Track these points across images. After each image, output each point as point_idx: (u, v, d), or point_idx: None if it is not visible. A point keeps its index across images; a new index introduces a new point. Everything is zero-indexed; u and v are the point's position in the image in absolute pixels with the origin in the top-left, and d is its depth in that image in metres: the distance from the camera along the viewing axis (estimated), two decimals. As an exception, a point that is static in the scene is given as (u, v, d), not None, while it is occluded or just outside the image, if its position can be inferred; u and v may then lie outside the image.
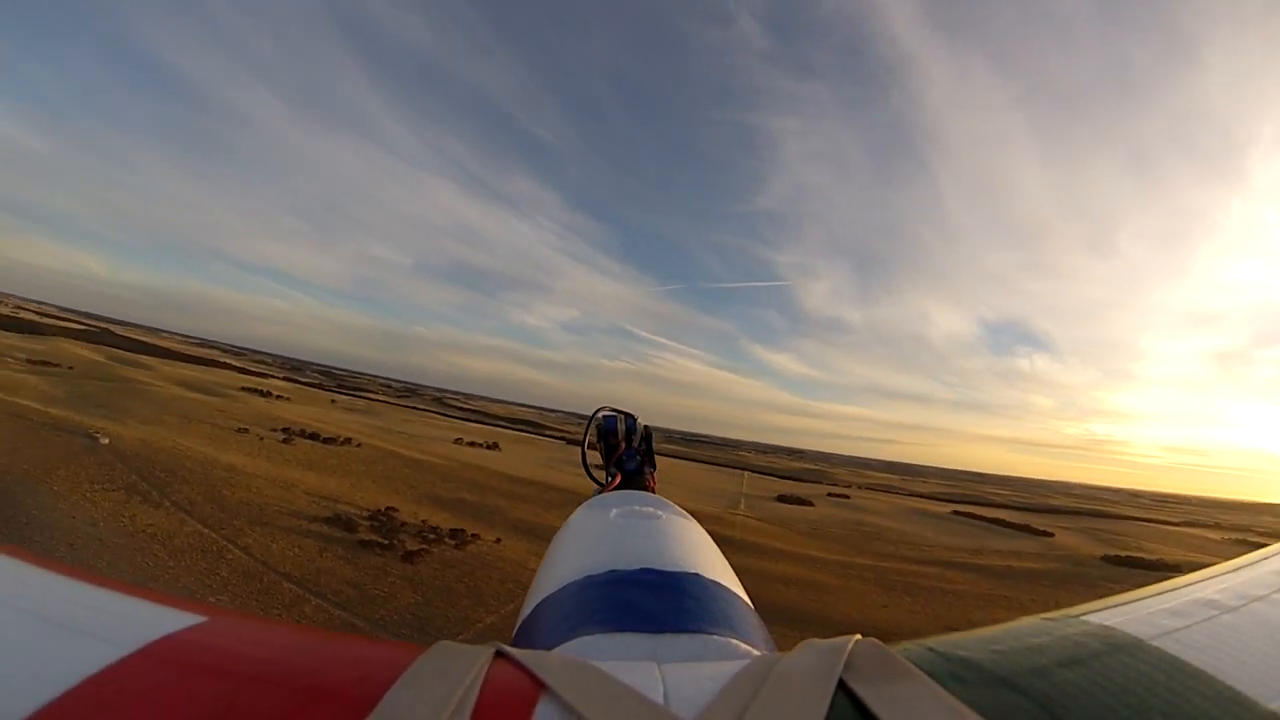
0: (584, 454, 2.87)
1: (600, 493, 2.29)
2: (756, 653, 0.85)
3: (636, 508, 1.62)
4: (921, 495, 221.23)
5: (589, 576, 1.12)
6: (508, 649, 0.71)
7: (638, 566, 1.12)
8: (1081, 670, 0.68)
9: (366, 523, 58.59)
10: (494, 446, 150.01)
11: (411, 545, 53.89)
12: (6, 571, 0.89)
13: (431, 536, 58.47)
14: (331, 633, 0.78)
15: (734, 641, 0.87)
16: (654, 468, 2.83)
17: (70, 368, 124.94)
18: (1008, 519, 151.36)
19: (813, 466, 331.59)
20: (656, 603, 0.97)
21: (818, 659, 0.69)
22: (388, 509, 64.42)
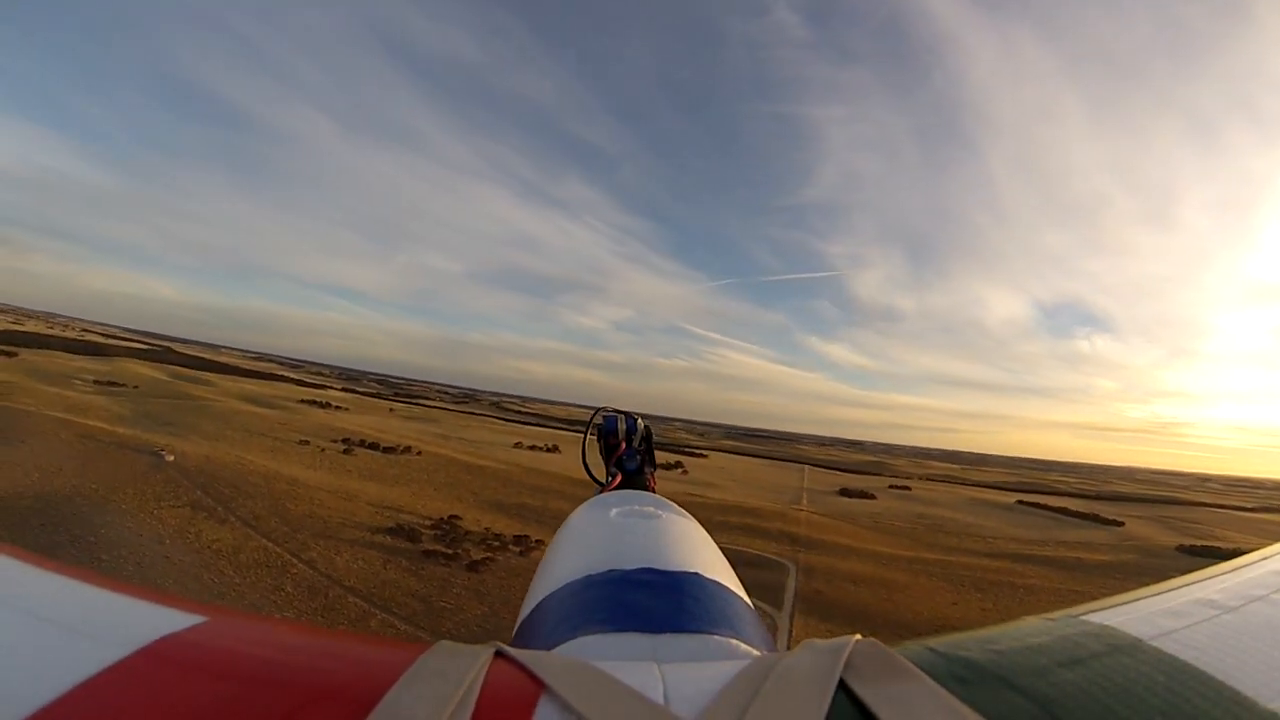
0: (584, 454, 2.88)
1: (600, 492, 2.29)
2: (756, 653, 0.86)
3: (636, 507, 1.62)
4: (984, 485, 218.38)
5: (589, 576, 1.12)
6: (508, 649, 0.70)
7: (638, 566, 1.12)
8: (1081, 670, 0.68)
9: (430, 532, 58.01)
10: (554, 449, 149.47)
11: (476, 554, 53.29)
12: (6, 571, 0.89)
13: (495, 544, 57.94)
14: (331, 632, 0.79)
15: (734, 641, 0.87)
16: (654, 467, 2.82)
17: (135, 386, 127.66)
18: (1074, 508, 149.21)
19: (873, 459, 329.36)
20: (656, 603, 0.98)
21: (818, 659, 0.69)
22: (450, 517, 63.96)
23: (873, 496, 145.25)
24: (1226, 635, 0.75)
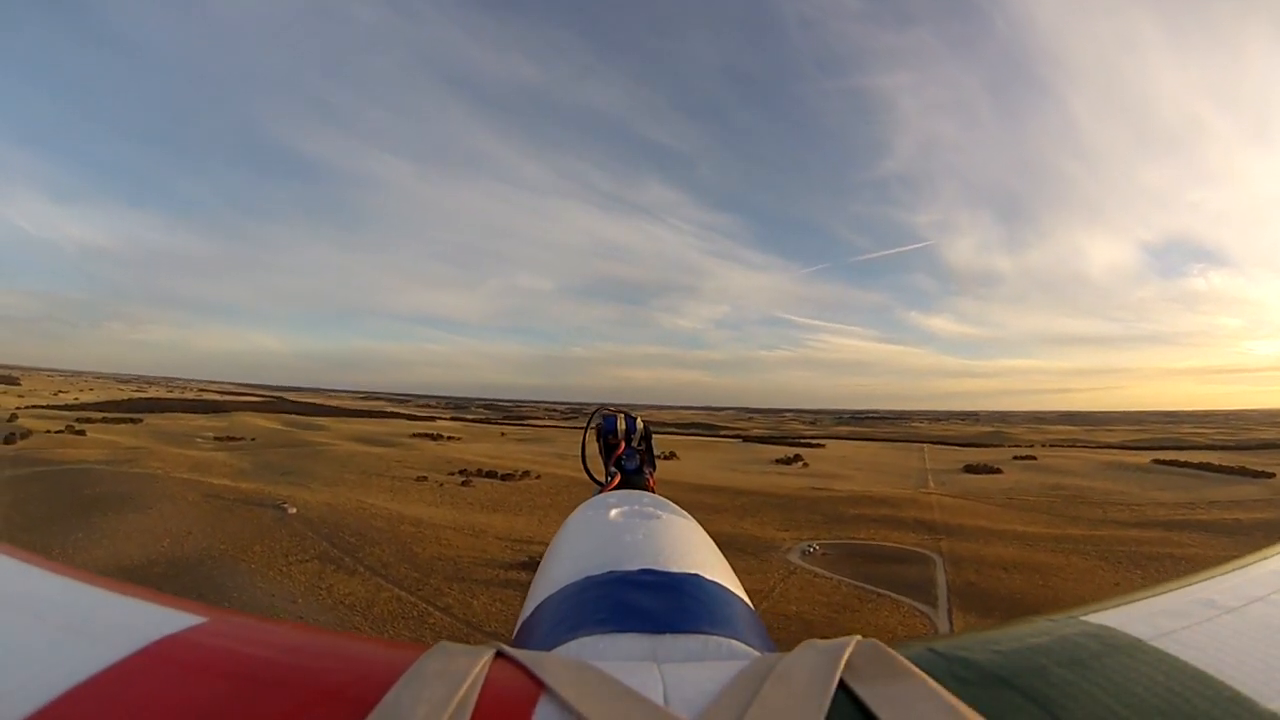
0: (584, 454, 2.88)
1: (599, 492, 2.29)
2: (756, 653, 0.86)
3: (636, 508, 1.63)
4: (1113, 446, 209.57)
5: (589, 577, 1.13)
6: (508, 649, 0.72)
7: (637, 567, 1.13)
8: (1081, 670, 0.69)
9: (563, 562, 54.51)
10: (671, 456, 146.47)
11: (615, 582, 50.10)
12: (6, 571, 0.90)
13: (632, 568, 54.52)
14: (331, 632, 0.80)
15: (734, 642, 0.88)
16: (654, 468, 2.84)
17: (253, 439, 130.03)
18: (1216, 462, 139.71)
19: (990, 429, 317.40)
20: (656, 603, 0.98)
21: (818, 659, 0.70)
22: (581, 543, 60.76)
23: (999, 471, 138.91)
24: (1226, 635, 0.75)
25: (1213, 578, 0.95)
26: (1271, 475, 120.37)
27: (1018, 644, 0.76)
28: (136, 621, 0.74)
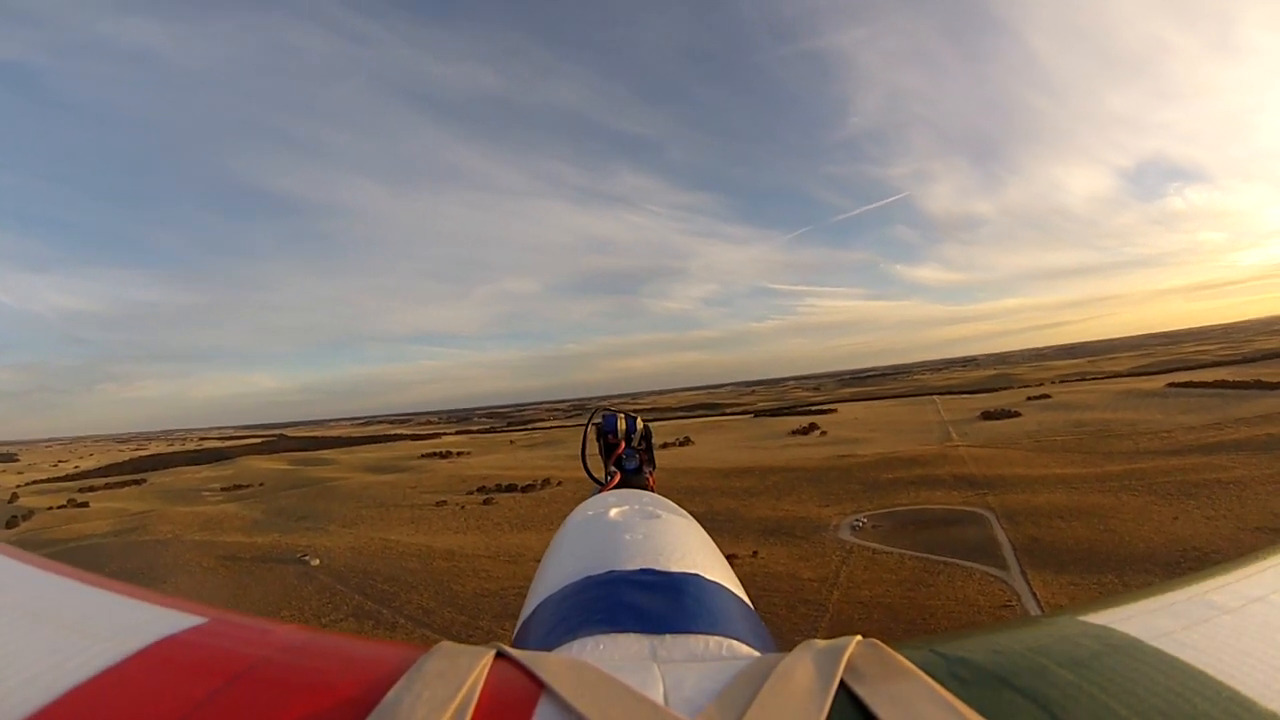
0: (583, 453, 2.90)
1: (599, 492, 2.31)
2: (756, 653, 0.87)
3: (636, 507, 1.64)
4: (1122, 375, 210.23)
5: (589, 577, 1.13)
6: (508, 649, 0.72)
7: (637, 567, 1.14)
8: (1081, 670, 0.69)
9: (610, 578, 51.62)
10: (686, 442, 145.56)
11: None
12: (6, 571, 0.91)
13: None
14: (331, 633, 0.80)
15: (734, 642, 0.88)
16: (654, 467, 2.87)
17: (261, 484, 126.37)
18: (1230, 379, 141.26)
19: (994, 372, 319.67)
20: (656, 603, 0.99)
21: (818, 659, 0.71)
22: (625, 553, 57.85)
23: (1018, 414, 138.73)
24: (1226, 636, 0.76)
25: (1213, 578, 0.96)
26: None
27: (1018, 644, 0.77)
28: (136, 621, 0.74)
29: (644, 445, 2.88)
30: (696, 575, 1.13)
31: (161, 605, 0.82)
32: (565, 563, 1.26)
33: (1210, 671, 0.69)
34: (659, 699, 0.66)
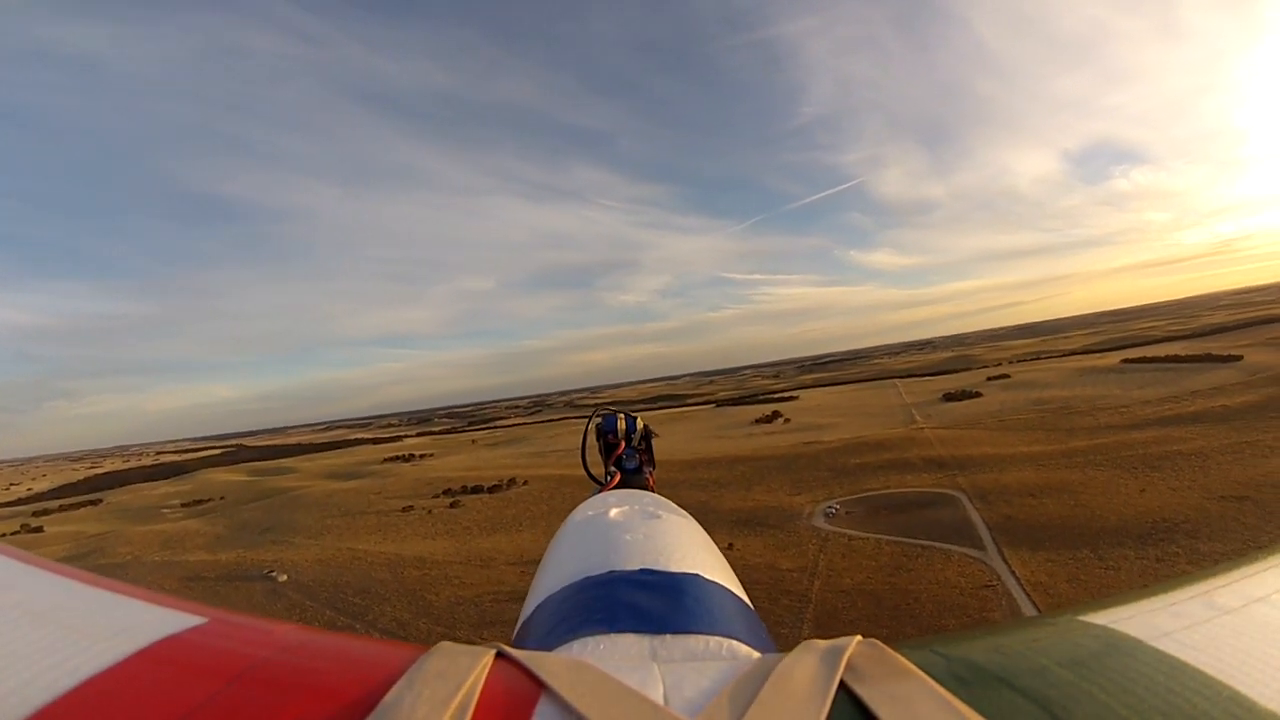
0: (583, 453, 2.89)
1: (599, 492, 2.31)
2: (756, 654, 0.87)
3: (636, 508, 1.64)
4: (1077, 352, 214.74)
5: (588, 577, 1.14)
6: (508, 649, 0.72)
7: (637, 567, 1.14)
8: (1081, 670, 0.69)
9: (587, 579, 50.76)
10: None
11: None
12: (6, 571, 0.91)
13: (664, 570, 51.41)
14: (332, 633, 0.80)
15: (734, 642, 0.88)
16: (654, 467, 2.89)
17: (222, 498, 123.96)
18: (1182, 353, 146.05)
19: (952, 354, 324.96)
20: (656, 603, 0.99)
21: (818, 659, 0.70)
22: (598, 552, 56.97)
23: (979, 394, 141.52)
24: (1227, 636, 0.76)
25: (1213, 578, 0.96)
26: (1239, 358, 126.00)
27: (1018, 644, 0.77)
28: (136, 621, 0.75)
29: (644, 445, 2.88)
30: (696, 575, 1.13)
31: (161, 605, 0.82)
32: (565, 563, 1.27)
33: (1211, 671, 0.68)
34: (659, 699, 0.68)
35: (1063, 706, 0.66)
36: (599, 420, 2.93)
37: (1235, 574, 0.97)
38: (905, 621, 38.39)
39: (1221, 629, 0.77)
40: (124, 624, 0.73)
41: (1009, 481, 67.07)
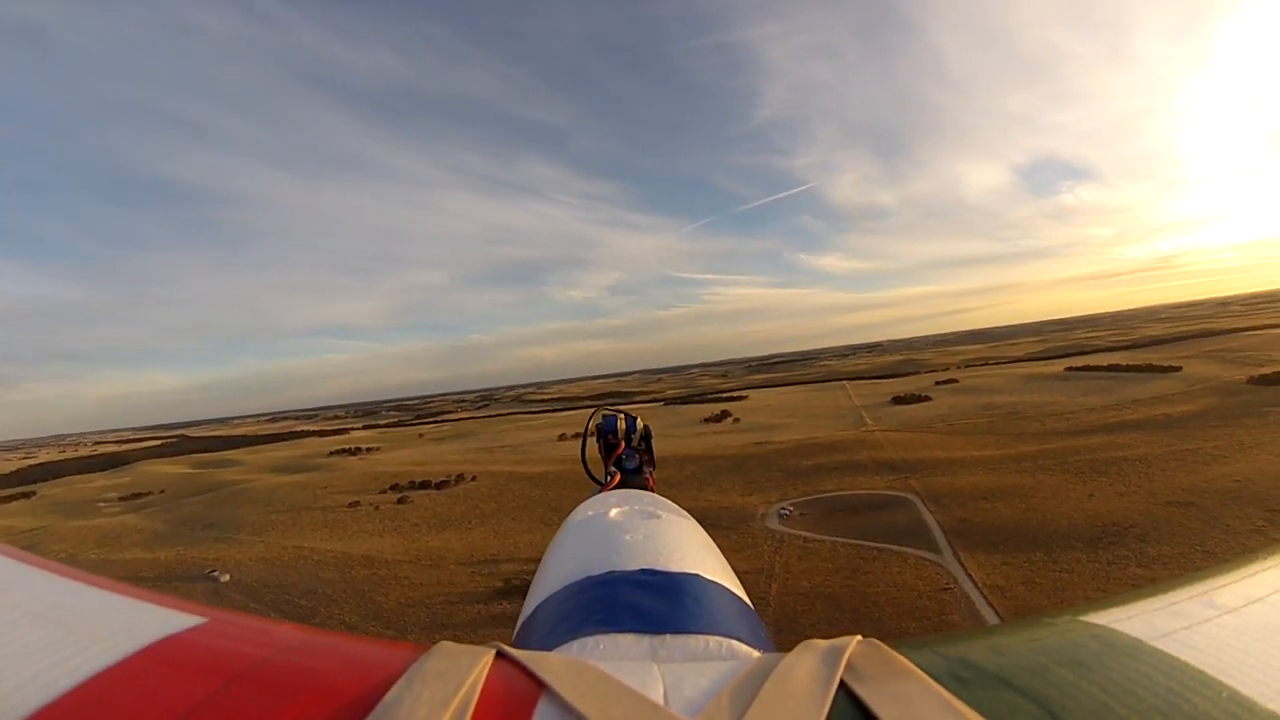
0: (583, 453, 2.96)
1: (599, 492, 2.36)
2: (756, 653, 0.87)
3: (636, 507, 1.68)
4: (1022, 360, 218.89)
5: (589, 577, 1.14)
6: (508, 649, 0.73)
7: (638, 567, 1.15)
8: (1081, 670, 0.69)
9: (541, 580, 49.92)
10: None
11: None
12: (6, 571, 0.91)
13: (619, 573, 50.90)
14: (331, 633, 0.81)
15: (734, 642, 0.89)
16: (654, 467, 2.93)
17: (162, 491, 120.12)
18: (1124, 363, 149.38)
19: (900, 358, 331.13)
20: (656, 603, 0.99)
21: (818, 659, 0.71)
22: (553, 553, 56.06)
23: (928, 398, 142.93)
24: (1227, 636, 0.75)
25: (1213, 578, 0.96)
26: (1179, 369, 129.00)
27: (1018, 644, 0.77)
28: (136, 621, 0.75)
29: (644, 445, 2.91)
30: (696, 575, 1.14)
31: (161, 605, 0.82)
32: (565, 563, 1.27)
33: (1211, 671, 0.69)
34: (659, 699, 0.67)
35: (1062, 706, 0.66)
36: (599, 421, 2.93)
37: (1235, 574, 0.97)
38: (865, 625, 36.76)
39: (1221, 629, 0.77)
40: (124, 624, 0.73)
41: (961, 485, 67.37)
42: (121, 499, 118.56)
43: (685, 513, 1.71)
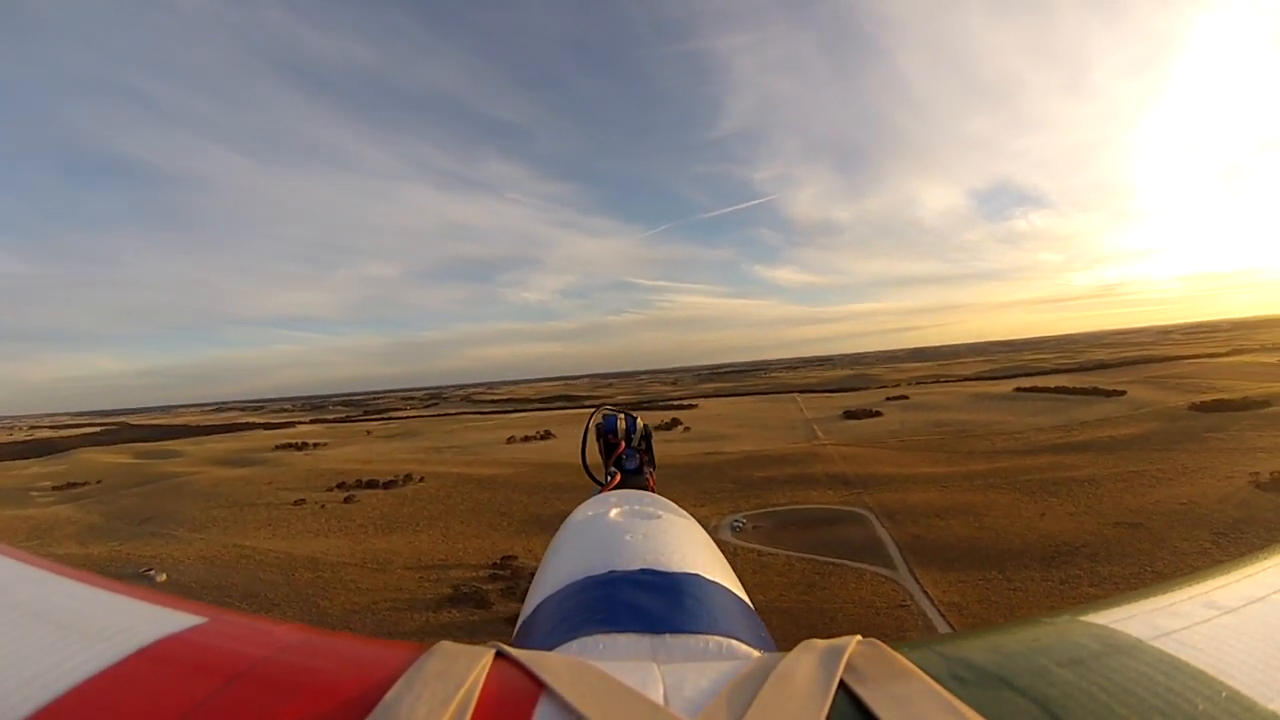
0: (583, 453, 2.95)
1: (599, 492, 2.37)
2: (756, 653, 0.87)
3: (636, 507, 1.66)
4: (971, 379, 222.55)
5: (589, 576, 1.15)
6: (508, 649, 0.73)
7: (638, 567, 1.15)
8: (1081, 670, 0.70)
9: (492, 586, 49.86)
10: (548, 436, 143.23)
11: (560, 600, 45.00)
12: (6, 571, 0.91)
13: (574, 582, 49.76)
14: (331, 633, 0.81)
15: (734, 642, 0.89)
16: (654, 467, 2.94)
17: (99, 481, 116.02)
18: (1070, 385, 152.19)
19: (850, 372, 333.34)
20: (656, 603, 1.00)
21: (818, 659, 0.71)
22: (504, 558, 55.71)
23: (879, 414, 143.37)
24: (1227, 636, 0.75)
25: (1213, 578, 0.96)
26: (1123, 393, 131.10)
27: (1018, 644, 0.77)
28: (136, 621, 0.75)
29: (644, 445, 2.92)
30: (696, 575, 1.13)
31: (161, 605, 0.82)
32: (565, 563, 1.27)
33: (1211, 671, 0.69)
34: (659, 699, 0.67)
35: (1062, 706, 0.65)
36: (599, 420, 2.91)
37: (1235, 574, 0.98)
38: (919, 636, 36.64)
39: (1221, 629, 0.78)
40: (124, 624, 0.73)
41: (914, 501, 67.68)
42: (56, 488, 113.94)
43: (685, 513, 1.70)
